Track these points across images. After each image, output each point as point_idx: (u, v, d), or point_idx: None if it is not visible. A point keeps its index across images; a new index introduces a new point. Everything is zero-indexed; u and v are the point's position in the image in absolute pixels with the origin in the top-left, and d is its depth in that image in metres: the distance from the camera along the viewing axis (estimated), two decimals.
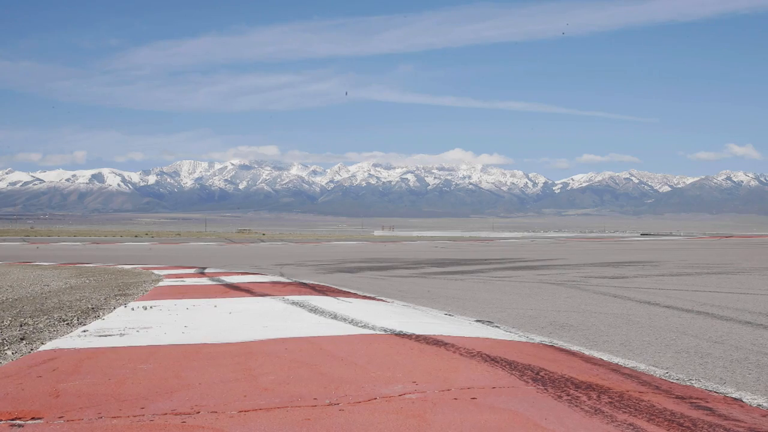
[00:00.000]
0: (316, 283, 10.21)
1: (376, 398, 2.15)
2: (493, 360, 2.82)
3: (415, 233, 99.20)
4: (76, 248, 39.75)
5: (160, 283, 10.06)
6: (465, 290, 9.29)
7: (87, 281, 11.22)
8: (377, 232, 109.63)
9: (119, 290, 9.02)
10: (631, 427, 1.86)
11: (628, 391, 2.35)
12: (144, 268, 15.53)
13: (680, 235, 67.98)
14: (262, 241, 55.92)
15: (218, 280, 10.45)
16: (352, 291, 8.72)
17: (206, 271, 13.75)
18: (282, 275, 12.60)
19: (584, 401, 2.14)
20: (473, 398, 2.12)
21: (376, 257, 22.46)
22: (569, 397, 2.17)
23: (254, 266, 16.88)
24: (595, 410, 2.02)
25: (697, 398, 2.38)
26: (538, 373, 2.54)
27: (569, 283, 10.15)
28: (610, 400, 2.18)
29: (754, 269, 12.87)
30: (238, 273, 13.01)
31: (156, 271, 13.87)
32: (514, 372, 2.55)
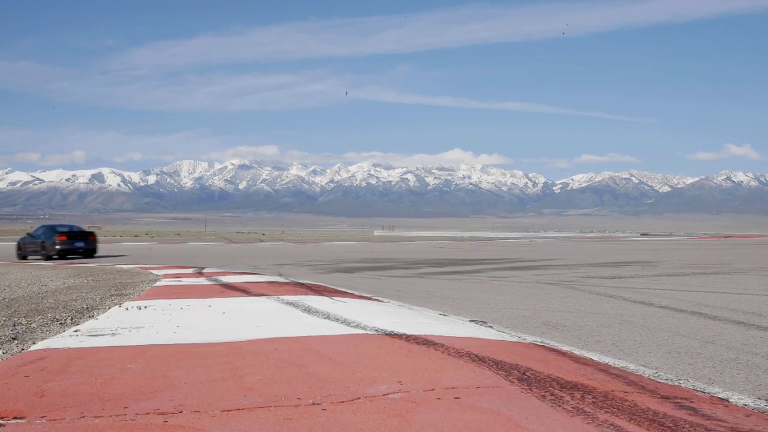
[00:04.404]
0: (314, 283, 10.21)
1: (359, 398, 2.16)
2: (480, 360, 2.82)
3: (414, 233, 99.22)
4: None
5: (158, 283, 10.06)
6: (462, 290, 9.29)
7: (85, 281, 11.22)
8: (377, 232, 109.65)
9: (116, 290, 9.01)
10: (612, 427, 1.87)
11: (613, 391, 2.35)
12: (142, 268, 15.53)
13: (681, 235, 68.06)
14: (262, 241, 55.91)
15: (215, 280, 10.45)
16: (348, 291, 8.72)
17: (204, 271, 13.75)
18: (280, 275, 12.60)
19: (567, 401, 2.14)
20: (456, 398, 2.12)
21: (374, 257, 22.46)
22: (553, 397, 2.17)
23: (253, 266, 16.89)
24: (578, 410, 2.02)
25: (682, 398, 2.38)
26: (524, 373, 2.55)
27: (566, 283, 10.15)
28: (594, 399, 2.18)
29: (752, 269, 12.87)
30: (235, 273, 13.01)
31: (154, 271, 13.87)
32: (500, 372, 2.55)
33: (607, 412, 2.03)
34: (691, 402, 2.34)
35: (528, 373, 2.56)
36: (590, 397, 2.23)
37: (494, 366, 2.67)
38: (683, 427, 1.94)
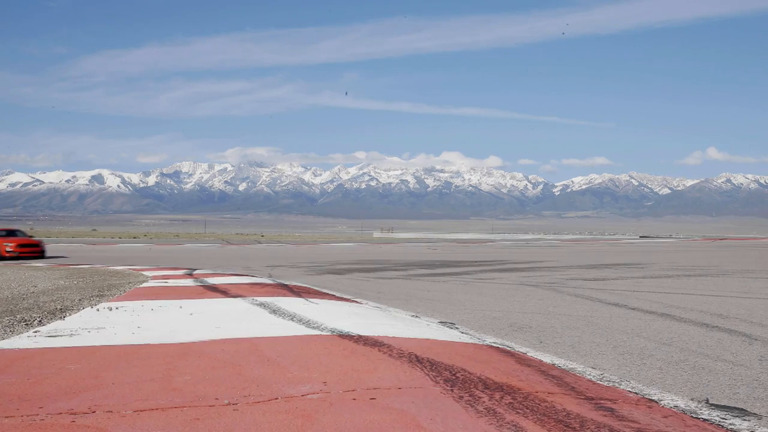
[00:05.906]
0: (298, 284, 10.24)
1: (277, 398, 2.18)
2: (418, 361, 2.85)
3: (413, 235, 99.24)
4: (74, 249, 39.76)
5: (144, 284, 10.09)
6: (444, 292, 9.31)
7: (75, 282, 11.25)
8: (376, 234, 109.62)
9: (98, 291, 9.04)
10: (514, 428, 1.89)
11: (537, 393, 2.37)
12: (135, 270, 15.56)
13: (680, 237, 68.02)
14: (260, 242, 55.93)
15: (201, 282, 10.47)
16: (329, 293, 8.74)
17: (195, 272, 13.77)
18: (270, 276, 12.62)
19: (484, 402, 2.16)
20: (372, 398, 2.15)
21: (368, 259, 22.49)
22: (470, 398, 2.20)
23: (247, 267, 16.91)
24: (489, 411, 2.05)
25: (607, 399, 2.40)
26: (455, 374, 2.57)
27: (548, 285, 10.17)
28: (511, 401, 2.20)
29: (737, 272, 12.89)
30: (225, 275, 13.03)
31: (145, 273, 13.90)
32: (431, 373, 2.58)
33: (518, 413, 2.06)
34: (614, 403, 2.36)
35: (459, 374, 2.58)
36: (509, 398, 2.25)
37: (428, 367, 2.70)
38: (588, 428, 1.97)
